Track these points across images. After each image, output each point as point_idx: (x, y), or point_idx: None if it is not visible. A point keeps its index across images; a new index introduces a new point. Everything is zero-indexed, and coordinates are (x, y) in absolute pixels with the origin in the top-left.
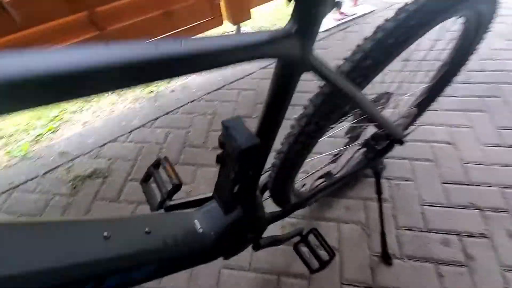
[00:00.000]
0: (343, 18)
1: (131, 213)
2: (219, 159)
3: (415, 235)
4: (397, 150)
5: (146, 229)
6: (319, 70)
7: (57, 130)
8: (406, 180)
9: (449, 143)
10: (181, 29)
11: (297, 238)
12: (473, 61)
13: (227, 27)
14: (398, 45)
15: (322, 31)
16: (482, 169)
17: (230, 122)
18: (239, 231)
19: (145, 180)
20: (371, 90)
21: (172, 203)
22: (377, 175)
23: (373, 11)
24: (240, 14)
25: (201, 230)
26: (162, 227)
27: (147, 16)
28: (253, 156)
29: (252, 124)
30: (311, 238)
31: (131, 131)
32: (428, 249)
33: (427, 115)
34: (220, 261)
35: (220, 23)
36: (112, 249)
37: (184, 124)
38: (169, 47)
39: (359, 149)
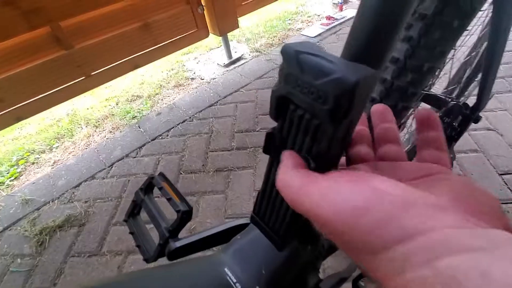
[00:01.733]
0: (332, 23)
1: (117, 268)
2: (270, 145)
3: None
4: None
5: None
6: None
7: (21, 175)
8: None
9: (489, 129)
10: (162, 44)
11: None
12: None
13: (212, 39)
14: None
15: (314, 36)
16: None
17: (298, 46)
18: (300, 275)
19: (132, 214)
20: None
21: (178, 244)
22: None
23: None
24: (227, 23)
25: (239, 287)
26: None
27: (122, 30)
28: (358, 104)
29: (255, 139)
30: None
31: (112, 164)
32: None
33: None
34: None
35: (205, 35)
36: None
37: (177, 148)
38: None
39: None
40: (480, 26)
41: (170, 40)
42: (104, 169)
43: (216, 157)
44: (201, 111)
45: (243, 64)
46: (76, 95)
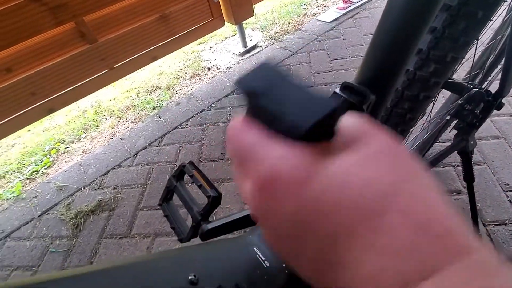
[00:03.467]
0: (349, 6)
1: (146, 249)
2: None
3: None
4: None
5: (191, 277)
6: None
7: (54, 164)
8: (477, 164)
9: None
10: (179, 34)
11: None
12: None
13: (227, 27)
14: None
15: (330, 21)
16: None
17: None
18: None
19: (165, 199)
20: None
21: (210, 226)
22: (467, 156)
23: None
24: (242, 11)
25: (267, 264)
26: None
27: (141, 22)
28: None
29: None
30: None
31: (136, 153)
32: None
33: None
34: None
35: (221, 24)
36: None
37: (196, 137)
38: None
39: (445, 124)
40: (506, 9)
41: (186, 31)
42: (130, 157)
43: None
44: (218, 100)
45: (258, 52)
46: (101, 87)
